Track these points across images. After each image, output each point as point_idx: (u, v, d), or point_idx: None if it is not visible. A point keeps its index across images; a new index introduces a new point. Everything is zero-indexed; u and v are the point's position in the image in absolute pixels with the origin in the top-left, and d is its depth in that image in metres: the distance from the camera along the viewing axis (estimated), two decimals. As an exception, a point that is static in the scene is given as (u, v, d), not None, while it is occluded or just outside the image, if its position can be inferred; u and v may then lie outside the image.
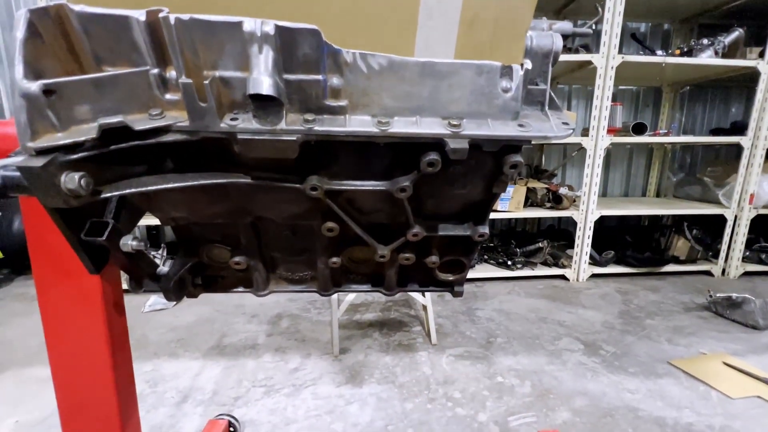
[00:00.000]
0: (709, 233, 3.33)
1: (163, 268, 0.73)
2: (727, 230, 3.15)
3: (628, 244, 3.36)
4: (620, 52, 2.77)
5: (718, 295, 2.51)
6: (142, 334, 2.26)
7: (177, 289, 0.70)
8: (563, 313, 2.57)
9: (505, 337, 2.26)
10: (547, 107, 0.52)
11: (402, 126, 0.48)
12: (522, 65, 0.49)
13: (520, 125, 0.49)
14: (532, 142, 0.51)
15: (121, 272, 0.73)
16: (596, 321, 2.46)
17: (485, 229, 0.64)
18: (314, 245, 0.70)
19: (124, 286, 0.74)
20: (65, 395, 0.82)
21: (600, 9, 2.64)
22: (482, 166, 0.55)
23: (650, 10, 3.27)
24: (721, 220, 3.14)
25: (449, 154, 0.47)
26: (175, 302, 0.69)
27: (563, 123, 0.51)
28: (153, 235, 3.51)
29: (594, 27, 2.90)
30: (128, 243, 0.61)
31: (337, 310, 2.10)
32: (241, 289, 0.78)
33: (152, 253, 2.88)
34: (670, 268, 3.22)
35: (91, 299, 0.70)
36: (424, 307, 2.22)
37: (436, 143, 0.49)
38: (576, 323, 2.43)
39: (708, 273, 3.28)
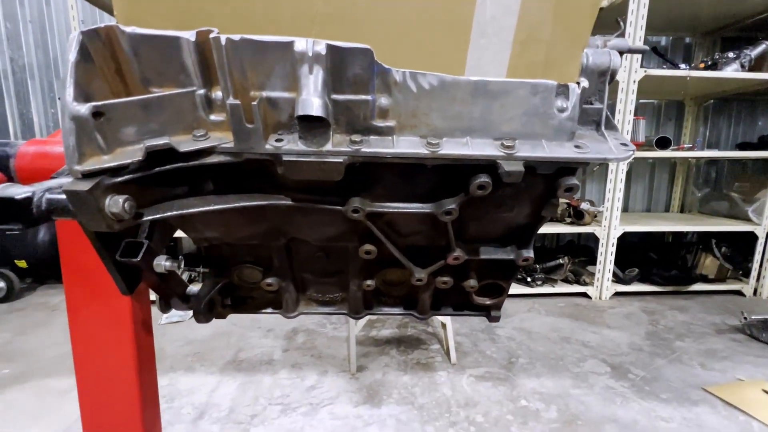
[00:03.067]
0: (738, 251, 3.19)
1: (193, 288, 0.72)
2: (759, 248, 3.02)
3: (653, 261, 3.25)
4: (642, 65, 2.73)
5: (753, 317, 2.39)
6: (159, 348, 2.24)
7: (207, 310, 0.68)
8: (587, 333, 2.48)
9: (528, 357, 2.18)
10: (603, 127, 0.50)
11: (452, 147, 0.46)
12: (578, 84, 0.47)
13: (577, 146, 0.47)
14: (590, 165, 0.48)
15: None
16: (622, 342, 2.36)
17: (530, 253, 0.61)
18: (347, 267, 0.68)
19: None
20: (90, 412, 0.80)
21: (621, 23, 2.61)
22: (533, 188, 0.53)
23: (671, 24, 3.22)
24: (751, 237, 3.02)
25: (503, 177, 0.45)
26: (205, 322, 0.68)
27: (622, 144, 0.48)
28: (170, 247, 3.55)
29: (615, 41, 2.87)
30: (162, 264, 0.60)
31: (354, 327, 2.06)
32: (270, 310, 0.76)
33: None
34: (698, 287, 3.09)
35: (120, 318, 0.69)
36: (443, 325, 2.17)
37: (487, 165, 0.47)
38: (601, 344, 2.34)
39: (739, 293, 3.14)
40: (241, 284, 0.72)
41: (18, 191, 0.38)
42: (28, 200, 0.38)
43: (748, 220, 3.07)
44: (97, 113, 0.38)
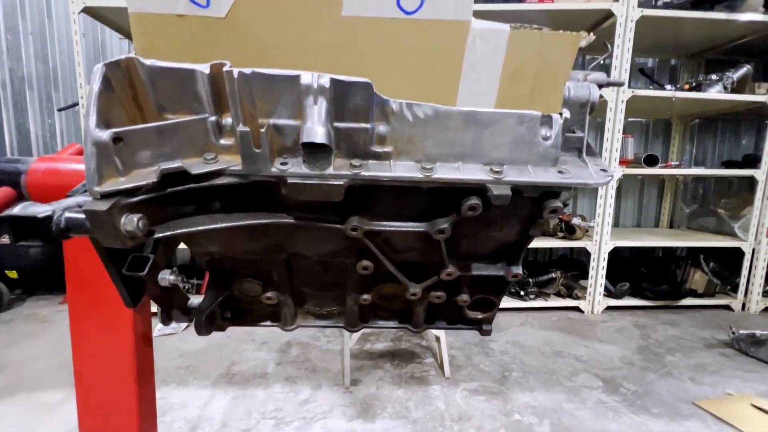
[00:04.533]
0: (726, 266, 3.26)
1: (194, 301, 0.74)
2: (746, 264, 3.09)
3: (643, 276, 3.30)
4: (629, 86, 2.83)
5: (741, 331, 2.43)
6: (151, 360, 2.23)
7: (208, 322, 0.70)
8: (579, 347, 2.50)
9: (521, 371, 2.19)
10: (584, 154, 0.54)
11: (445, 172, 0.49)
12: (561, 114, 0.51)
13: (560, 172, 0.51)
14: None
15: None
16: (614, 356, 2.38)
17: (519, 270, 0.64)
18: (344, 281, 0.71)
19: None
20: (88, 423, 0.80)
21: (609, 46, 2.72)
22: (520, 209, 0.56)
23: (658, 46, 3.35)
24: (738, 253, 3.09)
25: (492, 200, 0.48)
26: (206, 334, 0.70)
27: (601, 170, 0.52)
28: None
29: (603, 62, 2.98)
30: (166, 278, 0.62)
31: (348, 340, 2.07)
32: (268, 322, 0.78)
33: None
34: (688, 301, 3.14)
35: (122, 331, 0.71)
36: (437, 338, 2.18)
37: (477, 188, 0.50)
38: (593, 358, 2.36)
39: (727, 307, 3.19)
40: (242, 297, 0.74)
41: (39, 210, 0.40)
42: (49, 218, 0.41)
43: (734, 236, 3.14)
44: (116, 138, 0.41)
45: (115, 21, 2.88)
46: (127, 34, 3.17)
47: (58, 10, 3.52)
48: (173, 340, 2.48)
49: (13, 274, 3.07)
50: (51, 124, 3.62)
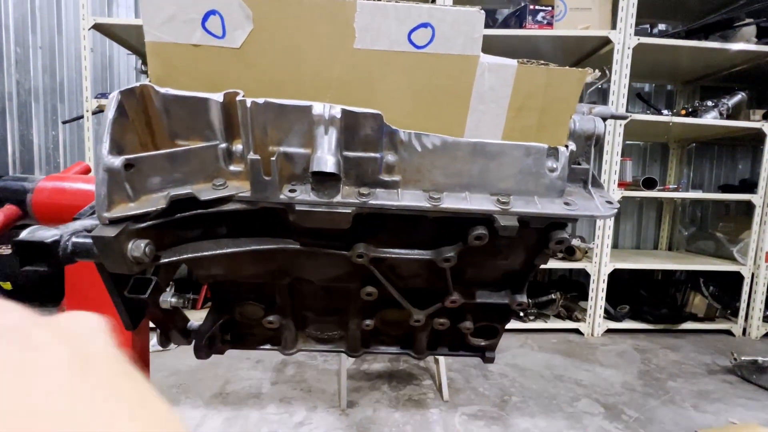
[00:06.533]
0: (726, 290, 3.25)
1: (194, 323, 0.73)
2: (745, 288, 3.08)
3: (643, 298, 3.28)
4: (627, 110, 2.88)
5: (743, 358, 2.40)
6: (143, 377, 2.18)
7: (208, 345, 0.69)
8: (580, 371, 2.46)
9: (521, 395, 2.15)
10: (590, 185, 0.54)
11: (452, 201, 0.50)
12: (567, 147, 0.51)
13: (566, 203, 0.51)
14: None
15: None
16: (615, 381, 2.34)
17: (523, 298, 0.64)
18: (347, 306, 0.70)
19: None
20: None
21: (607, 71, 2.79)
22: (526, 240, 0.56)
23: (654, 72, 3.43)
24: (737, 277, 3.08)
25: (499, 231, 0.49)
26: (205, 358, 0.69)
27: (607, 201, 0.52)
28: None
29: (601, 87, 3.05)
30: (168, 300, 0.62)
31: (346, 361, 2.03)
32: (268, 346, 0.77)
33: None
34: (689, 325, 3.11)
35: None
36: (436, 360, 2.14)
37: (484, 218, 0.50)
38: (594, 383, 2.32)
39: (728, 332, 3.16)
40: (243, 320, 0.73)
41: (47, 234, 0.40)
42: (56, 243, 0.41)
43: (733, 260, 3.14)
44: (128, 165, 0.42)
45: (124, 37, 2.94)
46: (135, 50, 3.23)
47: (68, 25, 3.60)
48: (166, 357, 2.43)
49: (7, 286, 3.03)
50: (54, 136, 3.64)
